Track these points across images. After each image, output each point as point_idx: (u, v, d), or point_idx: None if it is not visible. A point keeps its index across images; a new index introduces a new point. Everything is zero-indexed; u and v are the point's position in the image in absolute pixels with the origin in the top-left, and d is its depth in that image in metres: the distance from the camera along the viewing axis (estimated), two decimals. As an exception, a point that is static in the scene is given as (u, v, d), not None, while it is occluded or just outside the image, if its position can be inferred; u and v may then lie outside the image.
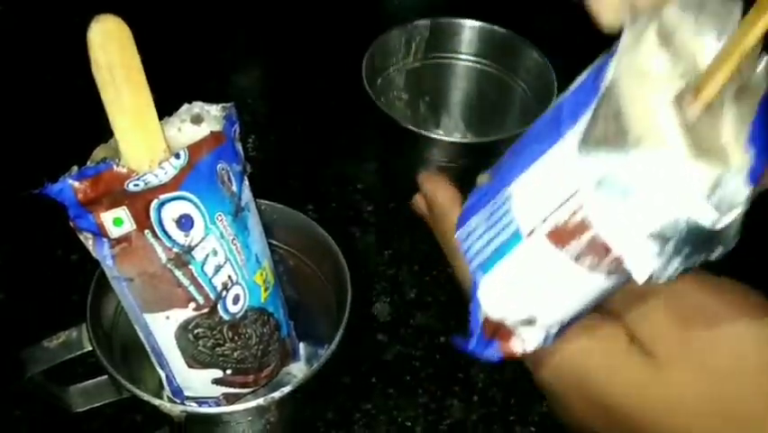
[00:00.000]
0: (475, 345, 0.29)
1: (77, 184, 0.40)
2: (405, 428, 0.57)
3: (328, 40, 0.84)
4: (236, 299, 0.46)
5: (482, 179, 0.34)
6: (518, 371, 0.58)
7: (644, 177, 0.23)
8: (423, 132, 0.64)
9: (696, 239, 0.23)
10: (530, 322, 0.28)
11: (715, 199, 0.23)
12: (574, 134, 0.25)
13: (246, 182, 0.46)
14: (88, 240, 0.42)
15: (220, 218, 0.44)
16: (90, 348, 0.45)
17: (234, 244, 0.45)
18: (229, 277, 0.45)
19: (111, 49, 0.39)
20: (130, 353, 0.49)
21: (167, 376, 0.48)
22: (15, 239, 0.64)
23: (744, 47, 0.23)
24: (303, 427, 0.54)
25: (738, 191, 0.23)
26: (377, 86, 0.70)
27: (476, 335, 0.28)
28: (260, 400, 0.43)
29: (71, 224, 0.42)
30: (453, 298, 0.66)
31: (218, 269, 0.44)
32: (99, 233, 0.42)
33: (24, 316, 0.58)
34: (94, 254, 0.43)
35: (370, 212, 0.71)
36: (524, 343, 0.28)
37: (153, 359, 0.48)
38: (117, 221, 0.42)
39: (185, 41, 0.81)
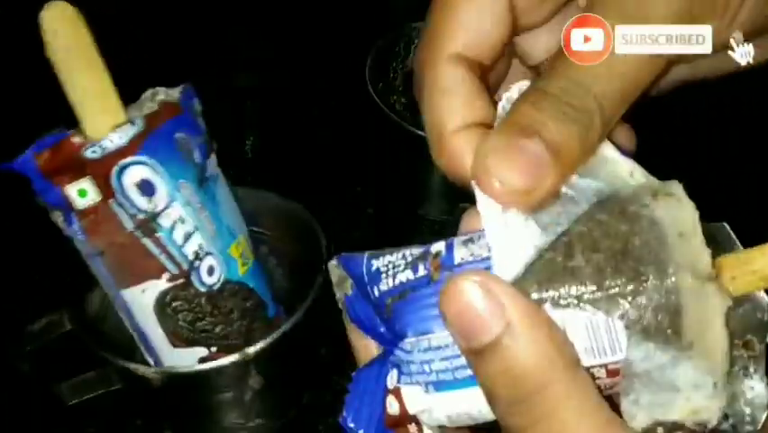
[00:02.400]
0: (374, 428, 0.27)
1: (37, 154, 0.42)
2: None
3: (329, 41, 0.84)
4: (211, 270, 0.46)
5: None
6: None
7: (681, 379, 0.23)
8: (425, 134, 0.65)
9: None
10: (441, 427, 0.27)
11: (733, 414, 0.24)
12: None
13: (213, 157, 0.48)
14: (59, 217, 0.44)
15: (184, 186, 0.45)
16: (70, 327, 0.45)
17: (202, 213, 0.46)
18: (200, 246, 0.46)
19: (62, 32, 0.42)
20: (118, 340, 0.50)
21: (154, 360, 0.48)
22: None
23: None
24: (285, 394, 0.52)
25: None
26: (378, 89, 0.71)
27: (374, 420, 0.27)
28: (237, 355, 0.43)
29: (39, 201, 0.43)
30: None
31: (188, 237, 0.45)
32: (66, 207, 0.43)
33: (11, 302, 0.58)
34: (65, 232, 0.44)
35: (371, 214, 0.71)
36: (421, 429, 0.28)
37: (139, 344, 0.48)
38: (81, 192, 0.43)
39: (185, 40, 0.82)
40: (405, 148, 0.68)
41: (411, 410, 0.26)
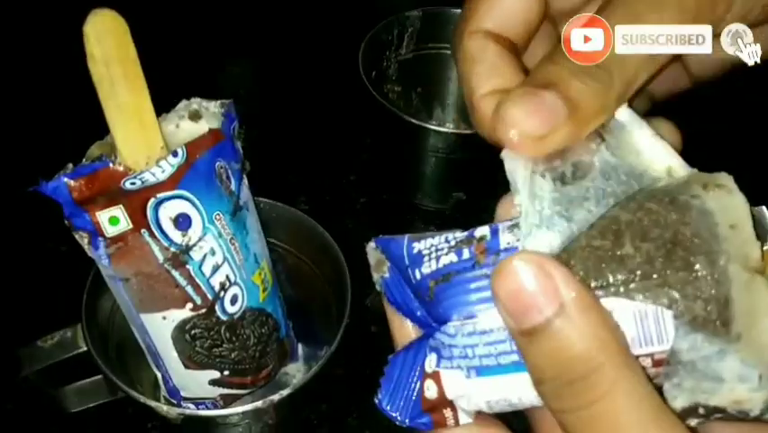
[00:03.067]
0: (408, 412, 0.27)
1: (72, 182, 0.39)
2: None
3: (322, 31, 0.83)
4: (234, 300, 0.45)
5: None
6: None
7: (727, 371, 0.23)
8: (422, 123, 0.64)
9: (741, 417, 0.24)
10: (479, 411, 0.27)
11: None
12: None
13: (245, 181, 0.46)
14: (84, 239, 0.41)
15: (218, 217, 0.43)
16: (85, 348, 0.44)
17: (233, 244, 0.44)
18: (227, 277, 0.44)
19: (107, 43, 0.38)
20: (126, 352, 0.48)
21: (163, 376, 0.47)
22: (10, 236, 0.63)
23: None
24: (300, 426, 0.53)
25: None
26: (371, 78, 0.69)
27: (411, 403, 0.27)
28: (259, 403, 0.42)
29: (66, 222, 0.41)
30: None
31: (216, 269, 0.43)
32: (95, 231, 0.41)
33: (19, 314, 0.57)
34: (89, 254, 0.42)
35: (364, 203, 0.70)
36: (458, 418, 0.27)
37: (149, 359, 0.47)
38: (113, 220, 0.41)
39: (178, 34, 0.80)
40: (399, 137, 0.67)
41: (450, 396, 0.26)
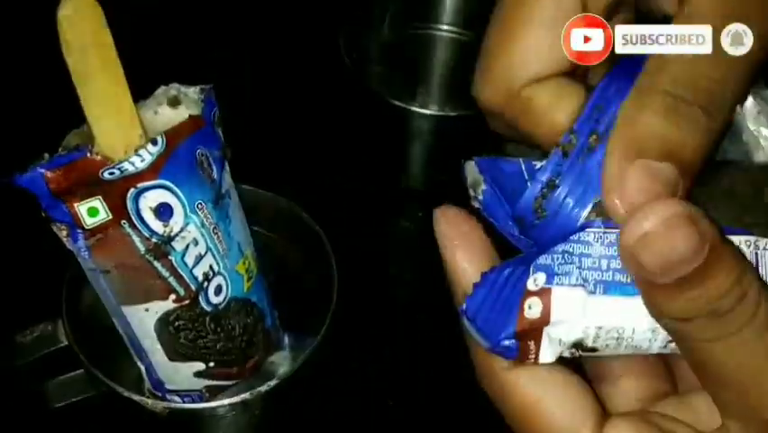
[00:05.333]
0: (498, 331, 0.26)
1: (48, 173, 0.38)
2: (388, 407, 0.56)
3: (301, 13, 0.81)
4: (218, 290, 0.44)
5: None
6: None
7: None
8: (405, 105, 0.63)
9: None
10: (575, 345, 0.26)
11: None
12: None
13: (227, 168, 0.45)
14: (62, 231, 0.40)
15: (200, 207, 0.42)
16: (66, 343, 0.43)
17: (216, 233, 0.43)
18: (210, 267, 0.43)
19: (82, 29, 0.37)
20: (108, 344, 0.47)
21: (147, 369, 0.47)
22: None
23: None
24: (288, 415, 0.52)
25: None
26: (353, 59, 0.68)
27: (503, 320, 0.25)
28: (246, 395, 0.42)
29: (43, 215, 0.40)
30: (435, 275, 0.65)
31: (199, 259, 0.43)
32: (73, 223, 0.40)
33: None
34: (68, 246, 0.41)
35: (349, 188, 0.69)
36: (539, 354, 0.26)
37: (132, 352, 0.46)
38: (92, 211, 0.40)
39: (156, 19, 0.78)
40: (382, 119, 0.66)
41: (555, 316, 0.25)
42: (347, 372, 0.57)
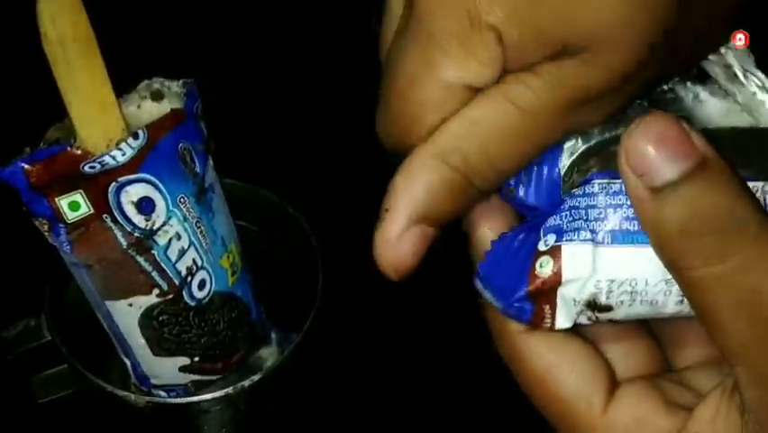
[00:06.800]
0: (511, 293, 0.26)
1: (28, 167, 0.38)
2: (375, 402, 0.56)
3: (289, 7, 0.81)
4: (202, 285, 0.44)
5: None
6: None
7: None
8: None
9: None
10: (589, 305, 0.25)
11: None
12: None
13: (210, 162, 0.44)
14: (44, 225, 0.40)
15: (183, 201, 0.42)
16: (49, 338, 0.43)
17: (199, 227, 0.43)
18: (194, 261, 0.43)
19: (62, 22, 0.37)
20: (93, 339, 0.47)
21: (131, 364, 0.46)
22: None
23: None
24: (273, 410, 0.52)
25: None
26: (343, 53, 0.68)
27: (515, 282, 0.26)
28: (230, 390, 0.42)
29: (24, 209, 0.39)
30: (427, 271, 0.64)
31: (182, 253, 0.42)
32: (55, 218, 0.40)
33: None
34: (50, 240, 0.41)
35: (335, 183, 0.69)
36: (555, 319, 0.26)
37: (117, 347, 0.46)
38: (73, 205, 0.39)
39: (142, 12, 0.78)
40: (371, 114, 0.66)
41: (568, 272, 0.25)
42: (333, 367, 0.57)
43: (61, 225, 0.40)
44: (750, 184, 0.24)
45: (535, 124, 0.25)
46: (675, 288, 0.24)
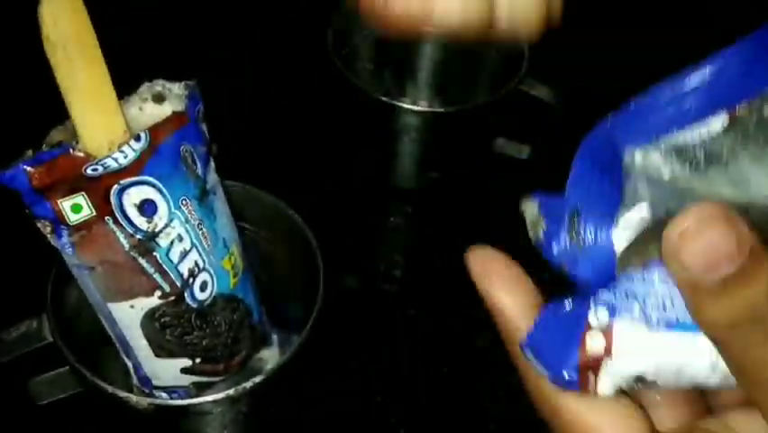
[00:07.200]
0: (560, 362, 0.26)
1: (31, 170, 0.38)
2: (376, 403, 0.56)
3: (290, 8, 0.81)
4: (204, 287, 0.44)
5: None
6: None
7: None
8: (394, 101, 0.63)
9: None
10: (635, 380, 0.26)
11: None
12: None
13: (212, 164, 0.44)
14: (46, 227, 0.40)
15: (185, 203, 0.42)
16: (51, 339, 0.43)
17: (201, 229, 0.43)
18: (196, 263, 0.43)
19: (64, 24, 0.37)
20: (94, 341, 0.47)
21: (133, 366, 0.47)
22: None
23: None
24: (274, 412, 0.52)
25: None
26: (342, 56, 0.68)
27: (565, 352, 0.26)
28: (231, 391, 0.42)
29: (26, 211, 0.39)
30: (423, 271, 0.65)
31: (184, 255, 0.42)
32: (57, 220, 0.40)
33: None
34: (53, 242, 0.41)
35: (337, 185, 0.69)
36: (598, 386, 0.27)
37: (119, 348, 0.46)
38: (76, 207, 0.39)
39: (142, 13, 0.78)
40: (371, 116, 0.66)
41: (618, 350, 0.25)
42: (334, 368, 0.57)
43: (63, 228, 0.40)
44: None
45: None
46: (720, 369, 0.25)
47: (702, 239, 0.22)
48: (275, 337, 0.53)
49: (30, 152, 0.38)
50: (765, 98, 0.26)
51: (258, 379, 0.42)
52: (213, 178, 0.44)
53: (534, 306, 0.28)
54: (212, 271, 0.44)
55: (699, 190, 0.27)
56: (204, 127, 0.43)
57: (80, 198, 0.39)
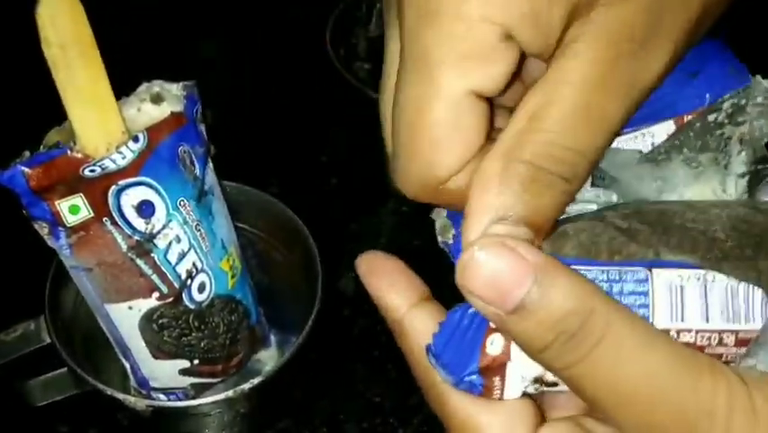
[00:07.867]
0: (461, 368, 0.26)
1: (28, 171, 0.38)
2: (373, 405, 0.56)
3: (289, 8, 0.81)
4: (202, 288, 0.44)
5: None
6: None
7: None
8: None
9: None
10: (536, 381, 0.26)
11: None
12: None
13: (210, 165, 0.44)
14: (44, 228, 0.40)
15: (182, 204, 0.42)
16: (49, 341, 0.42)
17: (199, 230, 0.43)
18: (193, 264, 0.43)
19: (62, 25, 0.37)
20: (92, 342, 0.47)
21: (131, 367, 0.46)
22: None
23: None
24: (273, 413, 0.52)
25: None
26: (340, 56, 0.68)
27: (466, 357, 0.26)
28: (230, 393, 0.42)
29: (24, 212, 0.39)
30: (422, 271, 0.64)
31: (182, 256, 0.42)
32: (54, 221, 0.39)
33: None
34: (50, 244, 0.41)
35: (335, 185, 0.69)
36: (504, 390, 0.27)
37: (117, 350, 0.46)
38: (73, 208, 0.39)
39: (140, 13, 0.78)
40: (369, 116, 0.66)
41: (517, 351, 0.25)
42: (333, 370, 0.57)
43: (61, 229, 0.40)
44: (693, 273, 0.25)
45: (592, 91, 0.24)
46: None
47: (488, 272, 0.22)
48: (273, 338, 0.53)
49: (27, 153, 0.38)
50: (710, 108, 0.27)
51: (256, 380, 0.42)
52: (211, 178, 0.44)
53: (423, 298, 0.28)
54: (210, 273, 0.44)
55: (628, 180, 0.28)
56: (202, 128, 0.43)
57: (78, 200, 0.39)
